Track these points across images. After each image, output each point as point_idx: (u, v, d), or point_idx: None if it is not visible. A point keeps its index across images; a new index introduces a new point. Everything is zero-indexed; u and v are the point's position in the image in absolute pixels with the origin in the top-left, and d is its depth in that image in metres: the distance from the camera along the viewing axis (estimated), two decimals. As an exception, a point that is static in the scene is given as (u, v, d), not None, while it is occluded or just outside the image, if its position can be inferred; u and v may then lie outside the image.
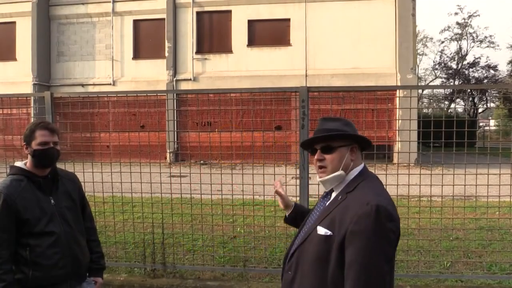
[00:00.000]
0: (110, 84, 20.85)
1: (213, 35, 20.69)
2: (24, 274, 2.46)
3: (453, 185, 4.13)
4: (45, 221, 2.52)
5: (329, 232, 1.77)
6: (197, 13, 20.50)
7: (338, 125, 1.94)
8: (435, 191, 4.37)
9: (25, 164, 2.64)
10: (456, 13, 56.99)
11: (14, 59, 21.55)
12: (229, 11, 20.23)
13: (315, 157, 1.95)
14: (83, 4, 21.29)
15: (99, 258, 2.95)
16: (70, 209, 2.70)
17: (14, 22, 21.58)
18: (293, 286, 1.90)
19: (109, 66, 21.13)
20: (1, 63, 21.67)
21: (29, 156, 2.61)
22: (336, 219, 1.78)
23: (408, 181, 4.10)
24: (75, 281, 2.68)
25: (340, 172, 1.89)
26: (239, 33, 20.12)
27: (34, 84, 20.64)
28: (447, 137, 4.10)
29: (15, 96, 4.90)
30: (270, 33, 20.10)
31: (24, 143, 2.60)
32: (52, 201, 2.60)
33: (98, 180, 4.48)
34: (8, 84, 20.40)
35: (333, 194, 1.94)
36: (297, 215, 2.34)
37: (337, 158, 1.89)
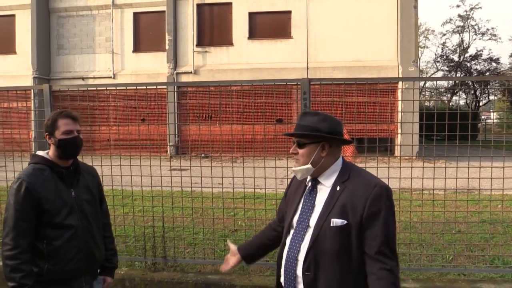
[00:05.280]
0: (110, 77, 20.80)
1: (213, 28, 20.58)
2: (39, 267, 2.41)
3: (456, 178, 4.09)
4: (64, 213, 2.47)
5: (344, 222, 1.88)
6: (198, 5, 20.38)
7: (314, 121, 2.02)
8: (437, 184, 4.33)
9: (47, 153, 2.58)
10: (458, 6, 56.74)
11: (14, 52, 21.49)
12: (230, 3, 20.11)
13: (291, 150, 2.09)
14: (82, -4, 21.21)
15: (112, 255, 2.93)
16: (89, 203, 2.65)
17: (13, 15, 21.51)
18: (318, 285, 1.91)
19: (109, 59, 21.06)
20: (1, 56, 21.61)
21: (52, 146, 2.55)
22: (346, 207, 1.89)
23: (410, 174, 4.07)
24: (89, 276, 2.65)
25: (308, 166, 2.00)
26: (239, 26, 20.02)
27: (34, 78, 20.62)
28: (449, 130, 4.05)
29: (14, 89, 4.86)
30: (271, 26, 19.99)
31: (46, 134, 2.54)
32: (73, 193, 2.55)
33: (98, 173, 4.44)
34: (8, 78, 20.39)
35: (322, 187, 2.02)
36: (254, 251, 2.46)
37: (306, 154, 2.01)
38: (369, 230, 1.85)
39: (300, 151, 2.03)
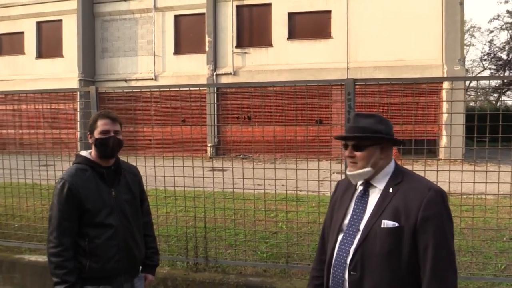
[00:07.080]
0: (152, 79, 21.28)
1: (253, 29, 20.63)
2: (81, 264, 2.50)
3: (511, 183, 3.86)
4: (105, 213, 2.54)
5: (396, 224, 1.83)
6: (237, 6, 20.49)
7: (371, 122, 1.97)
8: (488, 189, 4.12)
9: (90, 153, 2.66)
10: (506, 1, 54.01)
11: (61, 55, 22.37)
12: (269, 4, 20.09)
13: (346, 153, 2.01)
14: (125, 0, 21.78)
15: (153, 254, 2.97)
16: (130, 203, 2.70)
17: (60, 20, 22.40)
18: (363, 286, 1.87)
19: (151, 62, 21.53)
20: (49, 59, 22.58)
21: (93, 146, 2.63)
22: (399, 209, 1.84)
23: (461, 178, 3.89)
24: (129, 275, 2.69)
25: (368, 169, 1.95)
26: (279, 26, 19.96)
27: (79, 80, 21.39)
28: (497, 131, 3.85)
29: (62, 91, 5.01)
30: (310, 26, 19.80)
31: (88, 133, 2.64)
32: (113, 193, 2.61)
33: (141, 173, 4.51)
34: (55, 80, 21.23)
35: (375, 190, 1.97)
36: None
37: (367, 156, 1.95)
38: (423, 235, 1.78)
39: (358, 154, 1.97)
